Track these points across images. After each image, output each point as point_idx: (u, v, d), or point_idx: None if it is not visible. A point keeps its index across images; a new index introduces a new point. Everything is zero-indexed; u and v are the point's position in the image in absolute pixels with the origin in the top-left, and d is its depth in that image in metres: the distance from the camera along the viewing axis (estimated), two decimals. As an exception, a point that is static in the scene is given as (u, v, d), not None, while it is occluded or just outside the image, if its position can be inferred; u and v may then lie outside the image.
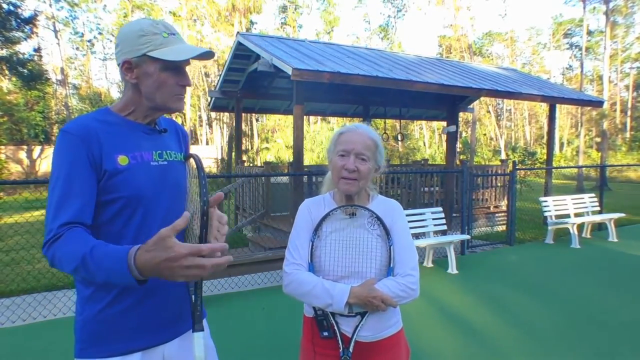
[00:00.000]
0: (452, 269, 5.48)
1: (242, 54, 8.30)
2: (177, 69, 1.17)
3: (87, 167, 1.09)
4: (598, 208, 8.01)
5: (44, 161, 20.84)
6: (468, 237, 6.37)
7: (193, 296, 1.09)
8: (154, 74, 1.15)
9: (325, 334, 1.39)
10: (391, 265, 1.41)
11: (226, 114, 23.88)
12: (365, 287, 1.35)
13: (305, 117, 12.41)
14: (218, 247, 0.93)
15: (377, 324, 1.40)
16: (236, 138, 10.30)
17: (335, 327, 1.39)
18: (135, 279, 0.93)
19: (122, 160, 1.14)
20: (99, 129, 1.13)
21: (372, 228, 1.45)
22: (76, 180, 1.07)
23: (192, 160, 1.23)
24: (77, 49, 34.07)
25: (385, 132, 14.41)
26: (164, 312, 1.22)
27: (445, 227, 6.06)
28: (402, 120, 14.56)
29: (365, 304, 1.33)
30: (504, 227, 8.42)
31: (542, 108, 32.97)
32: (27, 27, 16.03)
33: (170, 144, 1.30)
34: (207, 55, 1.19)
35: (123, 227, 1.15)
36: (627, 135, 31.97)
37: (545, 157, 10.10)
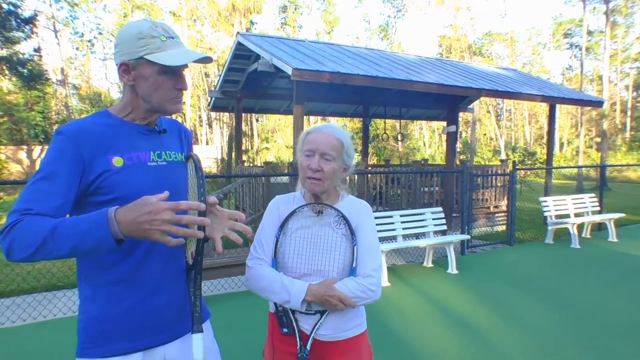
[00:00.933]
0: (452, 269, 5.48)
1: (242, 54, 8.30)
2: (173, 72, 1.17)
3: (71, 167, 1.08)
4: (598, 208, 8.02)
5: (44, 161, 20.81)
6: (468, 237, 6.37)
7: (192, 297, 1.09)
8: (151, 77, 1.15)
9: (285, 330, 1.39)
10: (354, 265, 1.40)
11: (226, 114, 23.88)
12: (323, 285, 1.35)
13: (305, 117, 12.40)
14: (195, 205, 0.98)
15: (337, 323, 1.40)
16: (236, 138, 10.31)
17: (295, 324, 1.39)
18: (113, 237, 0.93)
19: (117, 161, 1.14)
20: (95, 131, 1.14)
21: (337, 227, 1.45)
22: (55, 178, 1.06)
23: (192, 160, 1.24)
24: (77, 49, 34.03)
25: (385, 132, 14.41)
26: (165, 312, 1.22)
27: (445, 227, 6.06)
28: (402, 120, 14.58)
29: (322, 302, 1.34)
30: (504, 227, 8.42)
31: (542, 108, 32.96)
32: (27, 27, 16.02)
33: (170, 144, 1.30)
34: (205, 60, 1.19)
35: None
36: (627, 135, 31.96)
37: (545, 157, 10.11)
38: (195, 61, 1.18)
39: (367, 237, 1.45)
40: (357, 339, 1.44)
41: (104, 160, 1.12)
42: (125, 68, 1.16)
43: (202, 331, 1.06)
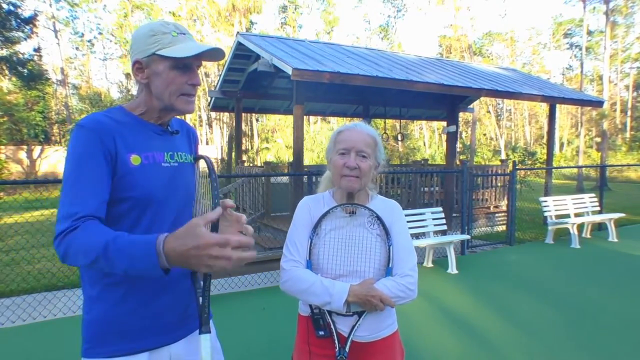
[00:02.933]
0: (452, 269, 5.47)
1: (242, 54, 8.30)
2: (185, 67, 1.16)
3: (103, 162, 1.08)
4: (598, 208, 8.01)
5: (44, 161, 20.83)
6: (468, 237, 6.37)
7: (201, 298, 1.09)
8: (163, 72, 1.15)
9: (322, 333, 1.37)
10: (390, 266, 1.40)
11: (226, 114, 23.89)
12: (364, 286, 1.34)
13: (305, 117, 12.39)
14: (245, 240, 0.94)
15: (373, 324, 1.40)
16: (236, 138, 10.31)
17: (332, 326, 1.38)
18: (160, 267, 0.93)
19: (135, 159, 1.14)
20: (113, 126, 1.13)
21: (371, 227, 1.44)
22: (92, 175, 1.06)
23: (200, 161, 1.24)
24: (77, 49, 34.05)
25: (385, 132, 14.40)
26: (171, 312, 1.22)
27: (445, 227, 6.06)
28: (402, 120, 14.57)
29: (364, 303, 1.33)
30: (504, 227, 8.41)
31: (542, 108, 32.96)
32: (27, 27, 16.03)
33: (181, 145, 1.30)
34: (216, 53, 1.18)
35: (130, 228, 1.14)
36: (627, 135, 31.95)
37: (545, 157, 10.11)
38: (206, 53, 1.16)
39: (401, 236, 1.45)
40: (391, 338, 1.45)
41: (124, 158, 1.12)
42: (138, 66, 1.16)
43: (209, 332, 1.07)
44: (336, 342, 1.36)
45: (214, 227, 1.01)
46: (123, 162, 1.11)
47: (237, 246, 0.92)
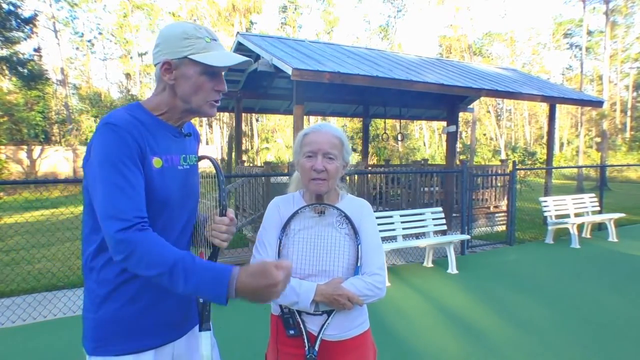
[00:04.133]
0: (452, 269, 5.48)
1: (242, 54, 8.28)
2: (215, 74, 1.17)
3: (137, 160, 1.08)
4: (598, 208, 8.01)
5: (44, 161, 20.83)
6: (468, 237, 6.37)
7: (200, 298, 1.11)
8: (193, 76, 1.15)
9: (292, 332, 1.38)
10: (358, 264, 1.41)
11: (226, 114, 23.87)
12: (331, 285, 1.35)
13: (305, 117, 12.39)
14: (285, 264, 1.02)
15: (343, 323, 1.40)
16: (236, 138, 10.31)
17: (302, 326, 1.38)
18: (226, 298, 0.98)
19: (157, 162, 1.14)
20: (139, 126, 1.13)
21: (340, 227, 1.45)
22: (132, 173, 1.06)
23: (202, 162, 1.27)
24: (77, 49, 34.06)
25: (385, 132, 14.40)
26: (177, 312, 1.24)
27: (445, 227, 6.06)
28: (402, 120, 14.57)
29: (331, 302, 1.34)
30: (504, 227, 8.41)
31: (542, 108, 32.96)
32: (27, 27, 16.03)
33: (191, 147, 1.32)
34: (247, 63, 1.22)
35: None
36: (627, 135, 31.96)
37: (545, 157, 10.11)
38: (239, 64, 1.19)
39: (370, 235, 1.45)
40: (362, 337, 1.45)
41: (148, 159, 1.12)
42: (167, 67, 1.15)
43: (210, 329, 1.10)
44: (306, 341, 1.37)
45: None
46: (148, 164, 1.12)
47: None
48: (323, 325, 1.37)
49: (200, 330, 1.09)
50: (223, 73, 1.21)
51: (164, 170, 1.16)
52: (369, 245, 1.43)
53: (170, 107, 1.19)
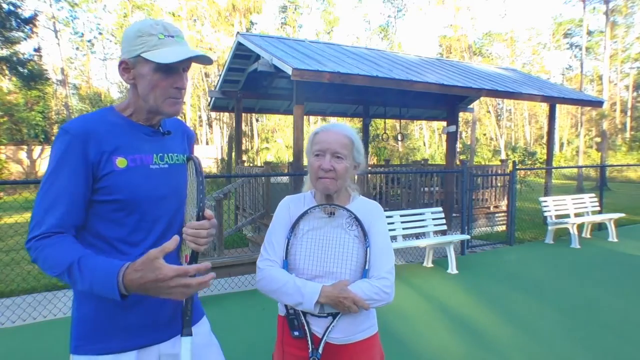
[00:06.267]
0: (452, 269, 5.48)
1: (242, 54, 8.29)
2: (171, 70, 1.14)
3: (81, 167, 1.09)
4: (598, 208, 8.01)
5: (44, 161, 20.82)
6: (468, 237, 6.37)
7: (184, 300, 1.09)
8: (148, 75, 1.13)
9: (296, 333, 1.37)
10: (366, 267, 1.39)
11: (226, 114, 23.88)
12: (337, 287, 1.33)
13: (305, 117, 12.41)
14: (202, 267, 1.01)
15: (349, 326, 1.38)
16: (236, 138, 10.31)
17: (306, 327, 1.37)
18: (119, 294, 0.98)
19: (121, 162, 1.14)
20: (101, 129, 1.13)
21: (350, 229, 1.43)
22: (68, 180, 1.08)
23: (192, 162, 1.23)
24: (77, 49, 34.04)
25: (385, 132, 14.41)
26: (161, 312, 1.22)
27: (445, 227, 6.06)
28: (402, 120, 14.58)
29: (335, 304, 1.32)
30: (504, 227, 8.42)
31: (542, 108, 32.96)
32: (27, 27, 16.01)
33: (173, 146, 1.29)
34: (202, 59, 1.17)
35: (117, 228, 1.15)
36: (627, 135, 31.95)
37: (545, 157, 10.10)
38: (194, 61, 1.16)
39: (379, 238, 1.42)
40: (368, 342, 1.42)
41: (109, 161, 1.12)
42: (125, 66, 1.15)
43: (191, 335, 1.08)
44: (310, 342, 1.35)
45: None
46: (108, 166, 1.12)
47: (195, 274, 0.99)
48: (328, 327, 1.35)
49: (181, 336, 1.07)
50: (183, 69, 1.17)
51: (130, 170, 1.15)
52: (378, 248, 1.41)
53: (136, 107, 1.19)
